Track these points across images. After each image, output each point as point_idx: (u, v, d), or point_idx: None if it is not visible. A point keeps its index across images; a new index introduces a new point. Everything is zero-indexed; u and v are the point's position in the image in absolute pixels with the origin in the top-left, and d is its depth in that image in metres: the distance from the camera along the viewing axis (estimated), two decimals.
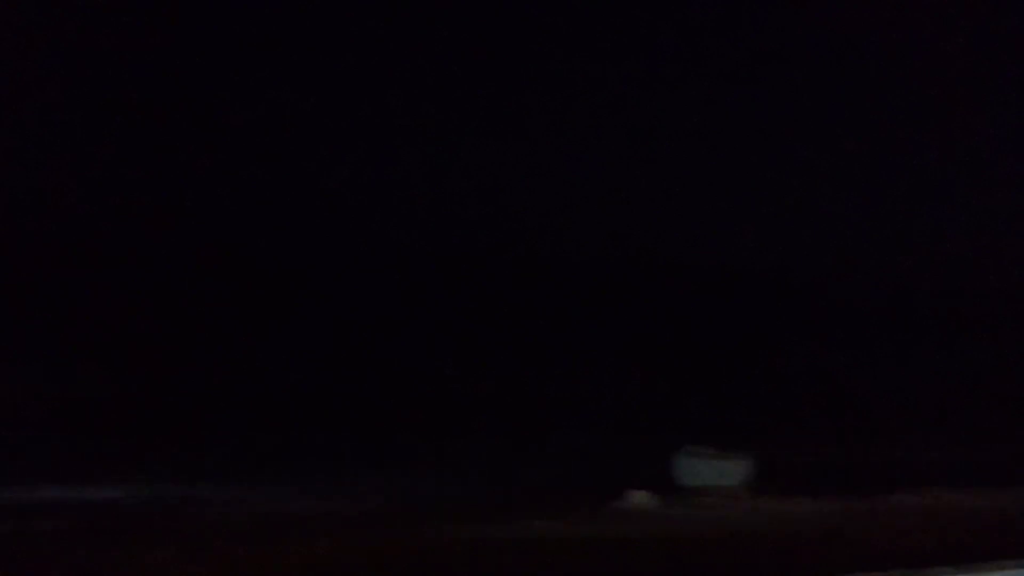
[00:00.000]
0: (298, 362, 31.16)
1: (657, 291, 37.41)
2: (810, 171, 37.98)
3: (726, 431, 23.96)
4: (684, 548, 12.35)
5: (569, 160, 36.44)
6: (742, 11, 36.61)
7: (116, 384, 27.81)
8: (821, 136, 37.65)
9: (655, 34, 37.05)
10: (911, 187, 37.98)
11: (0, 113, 29.26)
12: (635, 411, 29.79)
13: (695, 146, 36.82)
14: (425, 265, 34.41)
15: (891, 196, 38.20)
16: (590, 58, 37.36)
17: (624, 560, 11.54)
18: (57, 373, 27.89)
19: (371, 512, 16.54)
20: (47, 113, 31.19)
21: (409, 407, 29.55)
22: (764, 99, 37.74)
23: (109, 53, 31.99)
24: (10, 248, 28.05)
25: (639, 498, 18.45)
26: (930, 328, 35.79)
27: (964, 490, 17.58)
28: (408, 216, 35.06)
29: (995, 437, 24.57)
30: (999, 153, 37.86)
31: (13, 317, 27.82)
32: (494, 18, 36.29)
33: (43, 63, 30.57)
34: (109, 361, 28.61)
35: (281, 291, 33.29)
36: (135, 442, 23.01)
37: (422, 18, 35.70)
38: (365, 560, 11.58)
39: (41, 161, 30.76)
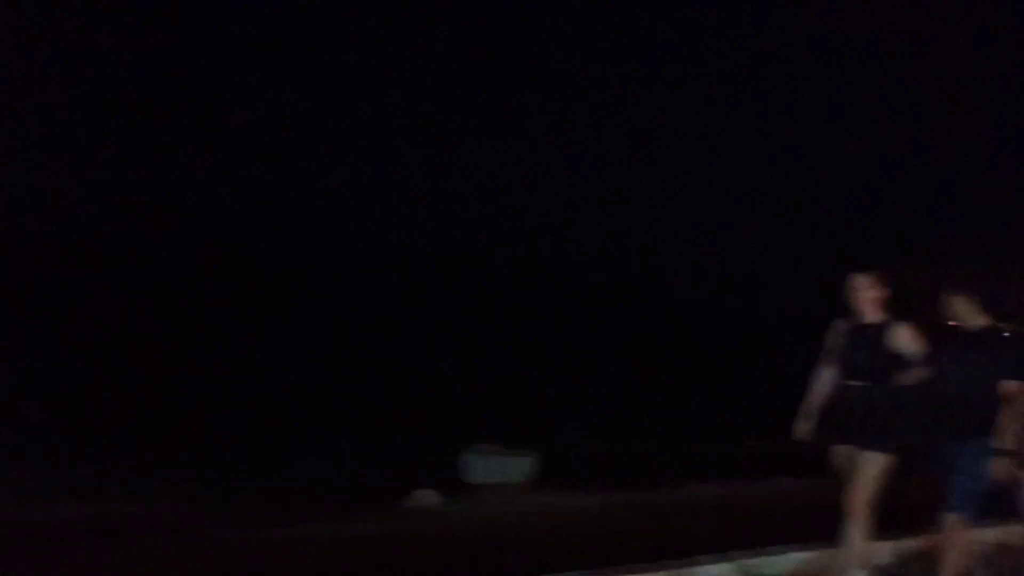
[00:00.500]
0: None
1: (443, 284, 37.88)
2: None
3: (511, 429, 24.95)
4: (466, 543, 12.93)
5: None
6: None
7: None
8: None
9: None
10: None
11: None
12: (422, 412, 30.38)
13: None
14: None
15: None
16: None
17: (408, 557, 12.00)
18: None
19: (157, 516, 16.39)
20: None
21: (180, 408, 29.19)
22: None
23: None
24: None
25: (424, 496, 19.02)
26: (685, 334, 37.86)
27: (722, 483, 19.16)
28: None
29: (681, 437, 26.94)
30: None
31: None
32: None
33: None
34: None
35: None
36: None
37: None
38: (151, 568, 11.57)
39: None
